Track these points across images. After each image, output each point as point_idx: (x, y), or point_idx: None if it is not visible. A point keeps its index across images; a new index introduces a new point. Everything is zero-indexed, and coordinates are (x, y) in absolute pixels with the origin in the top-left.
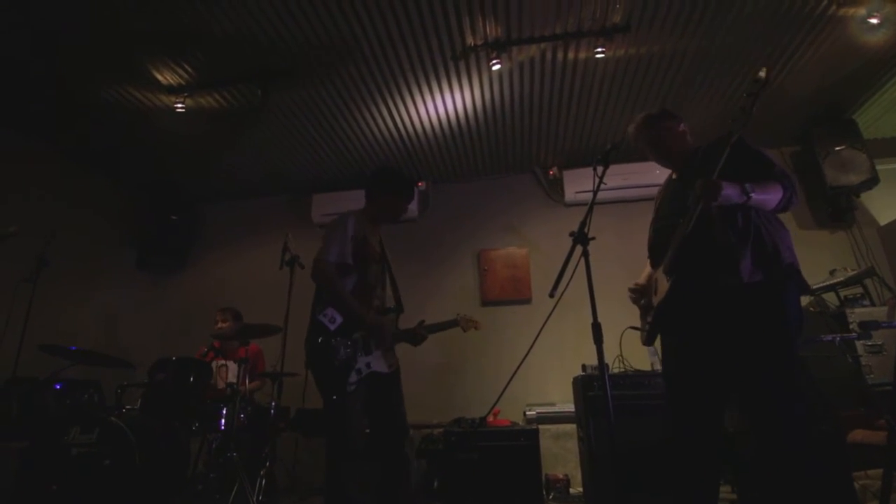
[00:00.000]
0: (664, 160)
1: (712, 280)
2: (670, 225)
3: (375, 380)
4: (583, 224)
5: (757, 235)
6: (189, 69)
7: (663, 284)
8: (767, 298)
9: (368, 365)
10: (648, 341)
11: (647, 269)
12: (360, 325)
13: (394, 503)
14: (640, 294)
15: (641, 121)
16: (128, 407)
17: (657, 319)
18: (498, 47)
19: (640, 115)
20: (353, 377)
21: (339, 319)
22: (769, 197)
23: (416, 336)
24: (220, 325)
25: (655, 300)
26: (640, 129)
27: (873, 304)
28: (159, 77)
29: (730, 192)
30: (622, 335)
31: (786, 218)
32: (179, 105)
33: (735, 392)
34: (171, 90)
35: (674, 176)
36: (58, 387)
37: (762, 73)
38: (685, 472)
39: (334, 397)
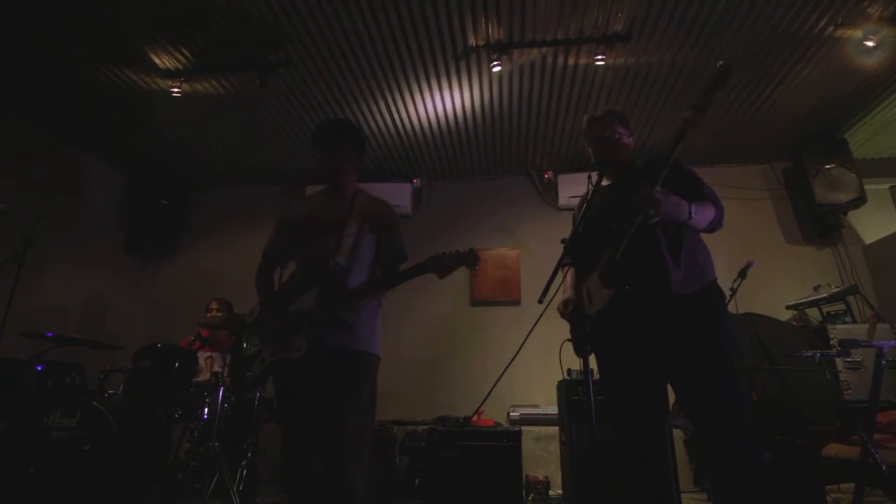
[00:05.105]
0: (606, 162)
1: (650, 292)
2: (601, 232)
3: (287, 368)
4: (574, 231)
5: (688, 251)
6: (187, 53)
7: (598, 294)
8: (705, 309)
9: (273, 353)
10: (586, 352)
11: (570, 276)
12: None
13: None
14: (575, 307)
15: (603, 114)
16: (110, 392)
17: (595, 330)
18: (499, 49)
19: (602, 109)
20: (256, 369)
21: (257, 312)
22: (705, 217)
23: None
24: (212, 313)
25: (591, 310)
26: (598, 121)
27: (855, 322)
28: (156, 60)
29: (676, 209)
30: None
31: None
32: (175, 89)
33: (680, 401)
34: (168, 74)
35: (604, 182)
36: (39, 368)
37: (721, 66)
38: (635, 485)
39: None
